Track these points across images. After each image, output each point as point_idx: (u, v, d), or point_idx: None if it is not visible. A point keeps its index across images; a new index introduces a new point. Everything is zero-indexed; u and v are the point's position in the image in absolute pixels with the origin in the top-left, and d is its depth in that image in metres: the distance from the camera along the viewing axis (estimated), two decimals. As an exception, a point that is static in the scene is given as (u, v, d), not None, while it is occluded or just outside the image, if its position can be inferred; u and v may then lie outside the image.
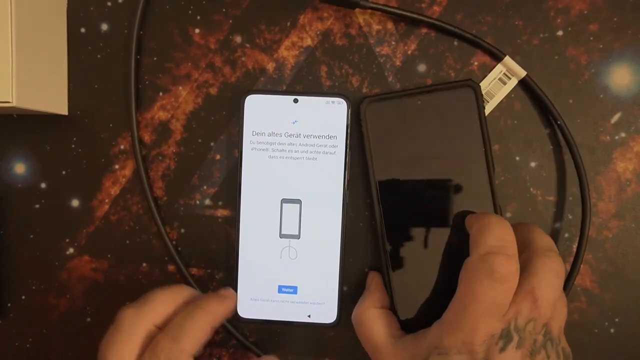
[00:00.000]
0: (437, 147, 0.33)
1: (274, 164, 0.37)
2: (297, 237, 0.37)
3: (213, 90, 0.39)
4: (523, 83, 0.38)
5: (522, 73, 0.37)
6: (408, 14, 0.37)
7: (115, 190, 0.39)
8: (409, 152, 0.33)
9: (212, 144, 0.39)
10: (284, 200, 0.37)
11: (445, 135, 0.33)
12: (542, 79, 0.38)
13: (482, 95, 0.33)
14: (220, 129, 0.39)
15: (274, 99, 0.37)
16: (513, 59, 0.38)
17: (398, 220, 0.34)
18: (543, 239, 0.31)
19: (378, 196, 0.34)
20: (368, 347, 0.34)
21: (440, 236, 0.34)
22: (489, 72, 0.38)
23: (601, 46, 0.38)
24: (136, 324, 0.28)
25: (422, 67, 0.38)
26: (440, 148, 0.33)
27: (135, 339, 0.28)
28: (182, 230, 0.39)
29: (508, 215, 0.39)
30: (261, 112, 0.37)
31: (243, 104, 0.37)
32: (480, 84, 0.33)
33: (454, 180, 0.33)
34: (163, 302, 0.30)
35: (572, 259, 0.38)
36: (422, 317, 0.33)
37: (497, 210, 0.34)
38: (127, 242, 0.40)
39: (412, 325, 0.33)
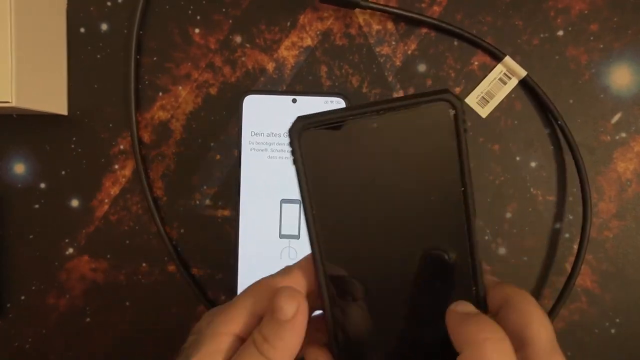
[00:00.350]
0: (399, 190, 0.23)
1: (273, 164, 0.37)
2: (297, 237, 0.37)
3: (213, 90, 0.39)
4: (523, 83, 0.38)
5: (523, 73, 0.37)
6: (408, 14, 0.37)
7: (115, 190, 0.39)
8: (359, 197, 0.23)
9: (212, 144, 0.39)
10: (283, 201, 0.37)
11: (410, 172, 0.23)
12: (542, 79, 0.38)
13: (463, 112, 0.22)
14: (220, 129, 0.39)
15: (272, 99, 0.37)
16: (513, 59, 0.38)
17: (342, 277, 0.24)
18: (543, 333, 0.25)
19: (318, 243, 0.23)
20: None
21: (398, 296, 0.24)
22: (489, 72, 0.38)
23: (601, 46, 0.38)
24: (222, 332, 0.26)
25: (422, 67, 0.38)
26: (403, 191, 0.23)
27: (221, 347, 0.25)
28: (182, 230, 0.39)
29: (508, 215, 0.39)
30: (260, 112, 0.37)
31: (242, 104, 0.37)
32: (460, 99, 0.23)
33: (418, 234, 0.23)
34: (249, 307, 0.27)
35: (572, 259, 0.38)
36: None
37: (477, 273, 0.24)
38: (127, 242, 0.40)
39: None
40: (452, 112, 0.22)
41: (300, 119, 0.23)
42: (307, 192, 0.23)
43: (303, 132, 0.23)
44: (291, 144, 0.23)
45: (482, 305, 0.23)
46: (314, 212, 0.23)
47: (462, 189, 0.24)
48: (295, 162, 0.23)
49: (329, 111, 0.22)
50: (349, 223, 0.23)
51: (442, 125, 0.22)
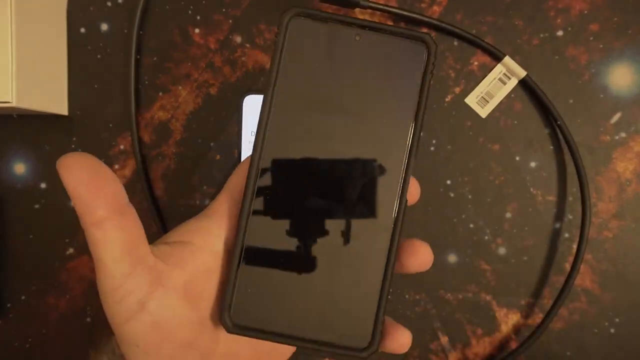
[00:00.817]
0: (356, 105, 0.24)
1: (273, 164, 0.37)
2: (297, 237, 0.37)
3: (213, 90, 0.39)
4: (523, 83, 0.38)
5: (522, 73, 0.37)
6: (408, 14, 0.37)
7: (115, 190, 0.39)
8: (321, 98, 0.24)
9: (212, 144, 0.39)
10: (283, 200, 0.37)
11: (372, 92, 0.25)
12: (542, 79, 0.38)
13: (435, 57, 0.24)
14: (220, 129, 0.39)
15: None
16: (513, 59, 0.38)
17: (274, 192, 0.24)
18: None
19: (262, 141, 0.24)
20: None
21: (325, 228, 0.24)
22: (489, 72, 0.38)
23: (601, 46, 0.38)
24: None
25: (422, 67, 0.38)
26: (359, 108, 0.24)
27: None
28: (182, 230, 0.39)
29: (508, 215, 0.39)
30: (261, 112, 0.37)
31: (242, 104, 0.37)
32: (437, 45, 0.24)
33: (361, 150, 0.24)
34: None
35: (572, 259, 0.38)
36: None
37: (403, 194, 0.24)
38: (127, 242, 0.40)
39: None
40: (425, 52, 0.24)
41: (296, 6, 0.24)
42: (275, 75, 0.24)
43: (294, 16, 0.24)
44: (280, 23, 0.24)
45: (398, 224, 0.24)
46: (275, 100, 0.24)
47: (413, 125, 0.25)
48: (277, 41, 0.24)
49: (324, 11, 0.24)
50: (300, 124, 0.24)
51: (414, 61, 0.24)
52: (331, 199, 0.24)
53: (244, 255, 0.24)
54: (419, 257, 0.24)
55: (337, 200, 0.24)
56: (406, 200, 0.24)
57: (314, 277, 0.24)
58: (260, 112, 0.24)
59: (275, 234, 0.24)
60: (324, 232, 0.24)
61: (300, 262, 0.24)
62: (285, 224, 0.24)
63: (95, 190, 0.21)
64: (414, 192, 0.25)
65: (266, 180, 0.24)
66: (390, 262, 0.24)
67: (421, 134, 0.26)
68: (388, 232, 0.24)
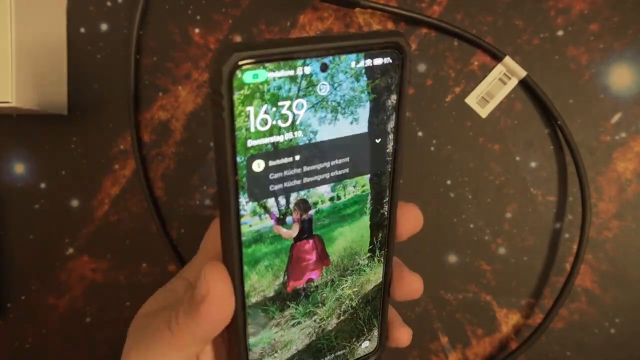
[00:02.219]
0: (333, 141, 0.20)
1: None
2: (297, 237, 0.37)
3: (213, 90, 0.39)
4: (523, 83, 0.38)
5: (522, 73, 0.37)
6: (408, 13, 0.37)
7: (115, 190, 0.39)
8: (294, 153, 0.20)
9: (212, 144, 0.39)
10: (283, 200, 0.37)
11: (346, 117, 0.21)
12: (542, 79, 0.38)
13: (410, 62, 0.20)
14: (220, 129, 0.39)
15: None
16: (513, 59, 0.38)
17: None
18: None
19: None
20: None
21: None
22: (489, 72, 0.38)
23: (601, 46, 0.38)
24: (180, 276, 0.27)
25: (422, 67, 0.38)
26: (337, 141, 0.21)
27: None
28: (182, 230, 0.39)
29: (508, 215, 0.39)
30: (261, 112, 0.37)
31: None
32: (409, 46, 0.20)
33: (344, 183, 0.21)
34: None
35: (572, 259, 0.38)
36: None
37: (390, 233, 0.23)
38: (127, 242, 0.40)
39: None
40: (399, 58, 0.20)
41: (234, 48, 0.17)
42: (231, 150, 0.18)
43: (238, 69, 0.17)
44: (217, 84, 0.17)
45: (390, 254, 0.23)
46: (236, 178, 0.19)
47: (394, 146, 0.22)
48: (220, 110, 0.17)
49: (269, 41, 0.18)
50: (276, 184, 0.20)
51: (388, 71, 0.20)
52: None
53: (248, 315, 0.21)
54: (404, 288, 0.24)
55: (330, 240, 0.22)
56: (394, 229, 0.23)
57: (318, 320, 0.23)
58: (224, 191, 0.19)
59: (273, 289, 0.21)
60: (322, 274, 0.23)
61: (303, 311, 0.22)
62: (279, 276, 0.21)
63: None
64: (414, 222, 0.23)
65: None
66: (387, 283, 0.24)
67: (403, 152, 0.22)
68: (381, 263, 0.24)
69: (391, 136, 0.22)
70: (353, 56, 0.19)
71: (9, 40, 0.32)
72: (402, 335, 0.25)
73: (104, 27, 0.39)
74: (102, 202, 0.40)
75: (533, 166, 0.38)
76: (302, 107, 0.19)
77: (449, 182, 0.39)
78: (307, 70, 0.18)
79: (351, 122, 0.20)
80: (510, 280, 0.39)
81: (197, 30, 0.39)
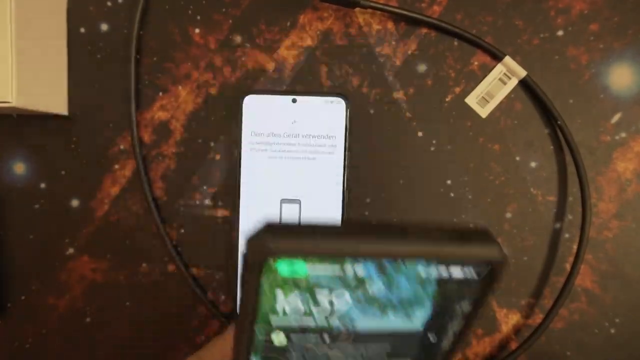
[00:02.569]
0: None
1: (273, 164, 0.37)
2: (297, 237, 0.37)
3: (213, 90, 0.39)
4: (523, 83, 0.38)
5: (522, 73, 0.37)
6: (408, 13, 0.37)
7: (115, 190, 0.39)
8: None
9: (212, 144, 0.39)
10: (283, 201, 0.37)
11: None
12: (542, 79, 0.38)
13: (500, 278, 0.16)
14: (220, 129, 0.39)
15: (272, 99, 0.37)
16: (513, 59, 0.38)
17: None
18: None
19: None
20: None
21: None
22: (489, 72, 0.38)
23: (601, 46, 0.38)
24: None
25: (422, 67, 0.38)
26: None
27: None
28: (182, 230, 0.39)
29: (508, 215, 0.39)
30: (260, 112, 0.37)
31: (242, 104, 0.37)
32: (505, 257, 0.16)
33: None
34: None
35: (572, 259, 0.38)
36: None
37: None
38: (127, 242, 0.40)
39: None
40: (489, 274, 0.15)
41: (270, 238, 0.15)
42: (249, 325, 0.16)
43: (271, 259, 0.15)
44: (250, 270, 0.15)
45: None
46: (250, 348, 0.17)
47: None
48: (247, 286, 0.15)
49: (314, 229, 0.14)
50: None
51: (469, 284, 0.16)
52: None
53: None
54: None
55: None
56: None
57: None
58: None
59: None
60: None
61: None
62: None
63: None
64: None
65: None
66: None
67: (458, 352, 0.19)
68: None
69: (450, 337, 0.18)
70: (423, 263, 0.15)
71: (9, 40, 0.32)
72: None
73: (104, 27, 0.39)
74: (102, 202, 0.40)
75: (533, 166, 0.38)
76: (342, 297, 0.16)
77: (449, 182, 0.39)
78: (360, 272, 0.15)
79: (402, 319, 0.17)
80: (510, 280, 0.39)
81: (197, 30, 0.39)
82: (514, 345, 0.39)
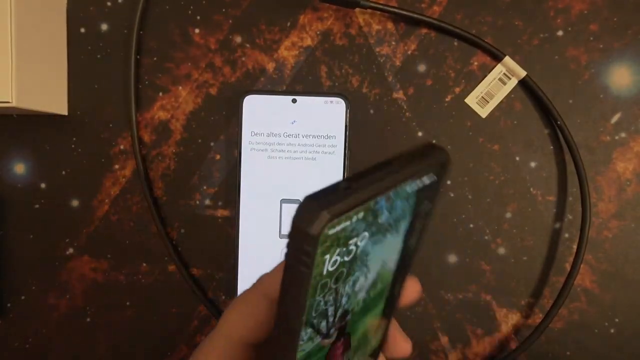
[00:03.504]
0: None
1: (273, 164, 0.37)
2: (297, 237, 0.37)
3: (213, 90, 0.39)
4: (523, 83, 0.38)
5: (522, 73, 0.37)
6: (408, 13, 0.37)
7: (115, 190, 0.39)
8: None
9: (212, 144, 0.39)
10: (283, 201, 0.37)
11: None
12: (542, 79, 0.38)
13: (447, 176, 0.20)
14: (220, 129, 0.39)
15: (272, 99, 0.37)
16: (513, 59, 0.38)
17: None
18: None
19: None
20: None
21: None
22: (489, 72, 0.38)
23: (601, 46, 0.38)
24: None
25: (422, 67, 0.38)
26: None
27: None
28: (182, 230, 0.39)
29: (508, 215, 0.39)
30: (260, 112, 0.37)
31: (241, 104, 0.37)
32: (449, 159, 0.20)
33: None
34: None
35: (572, 259, 0.38)
36: None
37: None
38: (127, 242, 0.40)
39: None
40: (442, 173, 0.20)
41: (319, 206, 0.16)
42: (303, 296, 0.18)
43: (326, 227, 0.16)
44: (301, 243, 0.16)
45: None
46: (303, 318, 0.18)
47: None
48: (300, 264, 0.17)
49: (347, 187, 0.17)
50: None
51: (431, 187, 0.20)
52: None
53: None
54: (396, 350, 0.25)
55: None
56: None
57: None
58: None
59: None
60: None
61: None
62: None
63: None
64: (414, 295, 0.24)
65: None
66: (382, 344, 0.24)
67: (421, 245, 0.22)
68: (381, 330, 0.24)
69: (418, 236, 0.22)
70: (410, 183, 0.19)
71: (9, 40, 0.32)
72: (405, 346, 0.25)
73: (104, 27, 0.39)
74: (102, 202, 0.40)
75: (533, 166, 0.38)
76: (364, 239, 0.18)
77: (448, 182, 0.39)
78: (377, 208, 0.18)
79: (393, 236, 0.20)
80: (510, 280, 0.39)
81: (197, 30, 0.39)
82: (513, 345, 0.39)
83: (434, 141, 0.19)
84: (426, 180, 0.19)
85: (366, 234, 0.18)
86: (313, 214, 0.15)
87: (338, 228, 0.16)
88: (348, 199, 0.16)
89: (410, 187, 0.19)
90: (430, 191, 0.20)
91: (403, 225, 0.20)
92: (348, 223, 0.17)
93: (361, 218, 0.17)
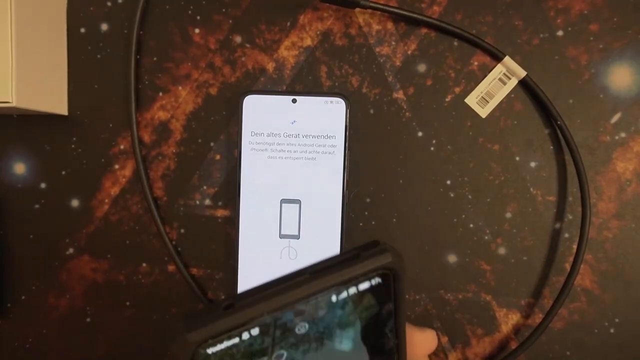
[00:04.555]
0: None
1: (273, 164, 0.37)
2: (297, 237, 0.37)
3: (213, 90, 0.39)
4: (523, 83, 0.38)
5: (522, 73, 0.37)
6: (408, 13, 0.37)
7: (115, 190, 0.39)
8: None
9: (212, 144, 0.39)
10: (283, 201, 0.37)
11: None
12: (542, 79, 0.38)
13: (404, 275, 0.18)
14: (220, 129, 0.39)
15: (272, 99, 0.37)
16: (513, 59, 0.38)
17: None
18: None
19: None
20: None
21: None
22: (489, 72, 0.38)
23: (601, 46, 0.38)
24: None
25: (422, 67, 0.38)
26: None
27: None
28: (182, 230, 0.39)
29: (508, 215, 0.39)
30: (260, 112, 0.37)
31: (241, 104, 0.37)
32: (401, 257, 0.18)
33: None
34: None
35: (572, 259, 0.38)
36: None
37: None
38: (127, 242, 0.40)
39: None
40: (391, 276, 0.18)
41: (186, 328, 0.16)
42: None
43: (199, 348, 0.16)
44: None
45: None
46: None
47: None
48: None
49: (227, 308, 0.16)
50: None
51: (380, 288, 0.18)
52: None
53: None
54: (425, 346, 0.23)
55: None
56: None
57: None
58: None
59: None
60: None
61: None
62: None
63: None
64: (432, 345, 0.23)
65: None
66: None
67: (405, 346, 0.20)
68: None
69: (392, 336, 0.19)
70: (333, 292, 0.17)
71: (9, 40, 0.32)
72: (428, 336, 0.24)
73: (104, 27, 0.39)
74: (102, 202, 0.40)
75: (533, 166, 0.38)
76: (282, 355, 0.17)
77: (449, 182, 0.39)
78: (280, 322, 0.16)
79: (341, 341, 0.18)
80: (510, 280, 0.39)
81: (197, 30, 0.39)
82: (513, 345, 0.39)
83: (380, 241, 0.18)
84: (363, 286, 0.17)
85: (284, 352, 0.17)
86: (181, 337, 0.15)
87: (221, 346, 0.16)
88: (226, 319, 0.15)
89: (335, 296, 0.17)
90: (383, 294, 0.18)
91: (352, 331, 0.18)
92: (237, 340, 0.16)
93: (258, 334, 0.16)
